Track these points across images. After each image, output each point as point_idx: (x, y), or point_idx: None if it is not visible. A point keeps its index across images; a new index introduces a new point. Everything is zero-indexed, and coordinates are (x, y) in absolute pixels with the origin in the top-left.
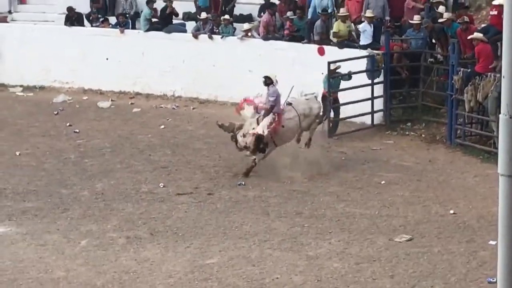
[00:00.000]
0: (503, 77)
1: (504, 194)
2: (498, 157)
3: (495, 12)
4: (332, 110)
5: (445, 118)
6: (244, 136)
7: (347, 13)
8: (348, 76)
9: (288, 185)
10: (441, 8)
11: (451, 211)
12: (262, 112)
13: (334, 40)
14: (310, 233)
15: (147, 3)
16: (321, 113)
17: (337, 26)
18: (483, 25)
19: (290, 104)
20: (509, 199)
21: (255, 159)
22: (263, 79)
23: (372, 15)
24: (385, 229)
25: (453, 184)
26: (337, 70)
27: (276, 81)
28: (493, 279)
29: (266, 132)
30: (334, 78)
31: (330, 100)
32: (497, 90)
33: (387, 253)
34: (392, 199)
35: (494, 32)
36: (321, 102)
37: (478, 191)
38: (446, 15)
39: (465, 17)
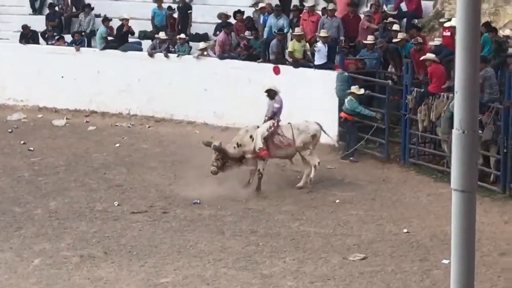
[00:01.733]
0: (456, 93)
1: (457, 210)
2: (451, 172)
3: (448, 33)
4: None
5: (399, 138)
6: (239, 146)
7: (302, 33)
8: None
9: (243, 203)
10: (396, 26)
11: (405, 230)
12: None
13: (290, 59)
14: (265, 252)
15: (103, 21)
16: (318, 135)
17: (292, 45)
18: (435, 43)
19: (289, 122)
20: (462, 214)
21: (259, 169)
22: (266, 94)
23: (326, 35)
24: (340, 248)
25: (407, 203)
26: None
27: (279, 91)
28: None
29: (266, 134)
30: (352, 100)
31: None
32: (450, 110)
33: (341, 271)
34: (346, 218)
35: (446, 53)
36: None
37: (431, 210)
38: (400, 35)
39: (418, 37)
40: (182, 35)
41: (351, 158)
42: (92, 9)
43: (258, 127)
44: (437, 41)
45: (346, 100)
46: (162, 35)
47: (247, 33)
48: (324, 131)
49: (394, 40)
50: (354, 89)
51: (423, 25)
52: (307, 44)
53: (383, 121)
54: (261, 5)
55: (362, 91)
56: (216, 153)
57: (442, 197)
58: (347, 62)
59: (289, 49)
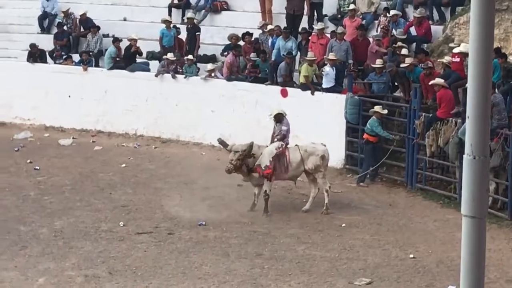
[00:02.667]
0: (468, 117)
1: (467, 235)
2: (462, 197)
3: (457, 59)
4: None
5: (404, 162)
6: (253, 157)
7: (315, 58)
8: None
9: (248, 226)
10: (404, 51)
11: (411, 255)
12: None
13: (303, 81)
14: (270, 275)
15: (113, 41)
16: (327, 156)
17: (306, 69)
18: (444, 60)
19: (296, 144)
20: (471, 240)
21: (266, 191)
22: (273, 119)
23: (335, 58)
24: (345, 272)
25: (413, 228)
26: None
27: (286, 114)
28: None
29: (274, 153)
30: (374, 120)
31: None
32: (458, 135)
33: None
34: (352, 242)
35: (455, 78)
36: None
37: (437, 236)
38: (408, 60)
39: (429, 62)
40: (190, 56)
41: (361, 183)
42: (99, 29)
43: (266, 146)
44: (446, 59)
45: (368, 122)
46: (170, 56)
47: (252, 54)
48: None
49: (402, 65)
50: (378, 108)
51: (432, 49)
52: (317, 67)
53: (403, 145)
54: (269, 27)
55: (385, 111)
56: (238, 153)
57: (449, 223)
58: (355, 88)
59: (303, 73)
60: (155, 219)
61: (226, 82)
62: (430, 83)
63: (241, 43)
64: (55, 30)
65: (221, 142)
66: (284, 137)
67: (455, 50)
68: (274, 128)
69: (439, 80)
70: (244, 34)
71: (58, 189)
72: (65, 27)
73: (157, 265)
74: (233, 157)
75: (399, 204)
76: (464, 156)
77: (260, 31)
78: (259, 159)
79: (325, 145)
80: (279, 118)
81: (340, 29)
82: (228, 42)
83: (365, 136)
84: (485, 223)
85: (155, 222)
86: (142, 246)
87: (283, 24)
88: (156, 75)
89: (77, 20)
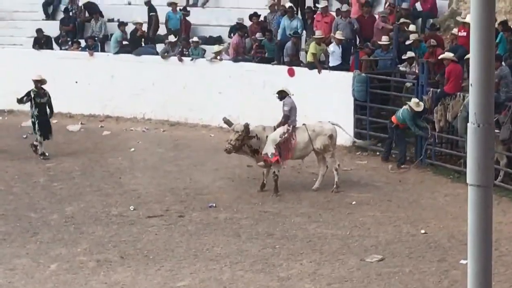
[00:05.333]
0: (471, 85)
1: (473, 205)
2: (467, 167)
3: (464, 33)
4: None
5: (415, 138)
6: (257, 138)
7: (323, 36)
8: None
9: (259, 206)
10: (412, 27)
11: (422, 231)
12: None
13: (310, 60)
14: (282, 254)
15: (119, 26)
16: (334, 135)
17: (314, 47)
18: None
19: (304, 124)
20: (478, 210)
21: (274, 171)
22: (277, 95)
23: (342, 38)
24: (357, 249)
25: (424, 204)
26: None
27: (292, 94)
28: None
29: (278, 140)
30: (407, 111)
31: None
32: (466, 110)
33: (359, 273)
34: (363, 219)
35: (462, 52)
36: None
37: (448, 211)
38: (413, 36)
39: (432, 40)
40: (195, 38)
41: (403, 166)
42: (102, 15)
43: (275, 128)
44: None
45: (401, 109)
46: (171, 38)
47: (258, 34)
48: (343, 129)
49: (407, 42)
50: (413, 104)
51: (439, 24)
52: (325, 46)
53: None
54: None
55: (420, 108)
56: (238, 133)
57: (459, 197)
58: (361, 54)
59: (311, 50)
60: (165, 202)
61: (232, 63)
62: (440, 57)
63: (248, 23)
64: (59, 16)
65: (226, 121)
66: (287, 117)
67: (463, 20)
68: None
69: (448, 54)
70: (251, 15)
71: (67, 175)
72: (70, 13)
73: (168, 248)
74: (233, 137)
75: (409, 180)
76: (468, 124)
77: (268, 11)
78: (264, 147)
79: (336, 124)
80: (282, 95)
81: (344, 7)
82: (235, 23)
83: (394, 120)
84: (491, 192)
85: (166, 205)
86: (153, 229)
87: (288, 4)
88: (162, 57)
89: (82, 6)
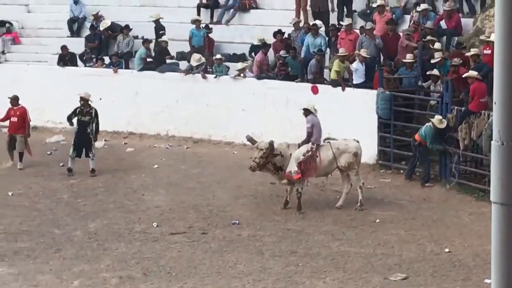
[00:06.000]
0: (495, 103)
1: (496, 223)
2: (491, 184)
3: (489, 51)
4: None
5: (439, 156)
6: (281, 156)
7: (346, 53)
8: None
9: (282, 224)
10: (437, 45)
11: (446, 250)
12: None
13: (334, 77)
14: (305, 272)
15: (143, 42)
16: (359, 153)
17: (338, 65)
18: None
19: (328, 141)
20: (501, 228)
21: (297, 189)
22: (302, 111)
23: (367, 56)
24: (380, 268)
25: (448, 222)
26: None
27: (316, 110)
28: None
29: (301, 158)
30: (430, 128)
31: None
32: (491, 128)
33: None
34: (387, 237)
35: (487, 70)
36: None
37: (473, 229)
38: (438, 54)
39: (455, 59)
40: (219, 56)
41: (427, 184)
42: (130, 30)
43: (299, 146)
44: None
45: (424, 126)
46: (193, 61)
47: (282, 52)
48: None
49: (433, 61)
50: (436, 121)
51: (463, 42)
52: (348, 63)
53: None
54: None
55: (443, 125)
56: (262, 151)
57: (484, 216)
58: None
59: (335, 68)
60: (188, 219)
61: (256, 80)
62: (464, 75)
63: (272, 40)
64: (84, 33)
65: (250, 139)
66: (310, 135)
67: (487, 39)
68: None
69: (472, 73)
70: (275, 32)
71: (91, 191)
72: (96, 30)
73: (191, 265)
74: (257, 155)
75: (433, 198)
76: (492, 142)
77: (292, 28)
78: (288, 165)
79: (358, 141)
80: (306, 113)
81: (369, 25)
82: (258, 42)
83: (417, 138)
84: None
85: (189, 222)
86: (176, 246)
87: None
88: (185, 74)
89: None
